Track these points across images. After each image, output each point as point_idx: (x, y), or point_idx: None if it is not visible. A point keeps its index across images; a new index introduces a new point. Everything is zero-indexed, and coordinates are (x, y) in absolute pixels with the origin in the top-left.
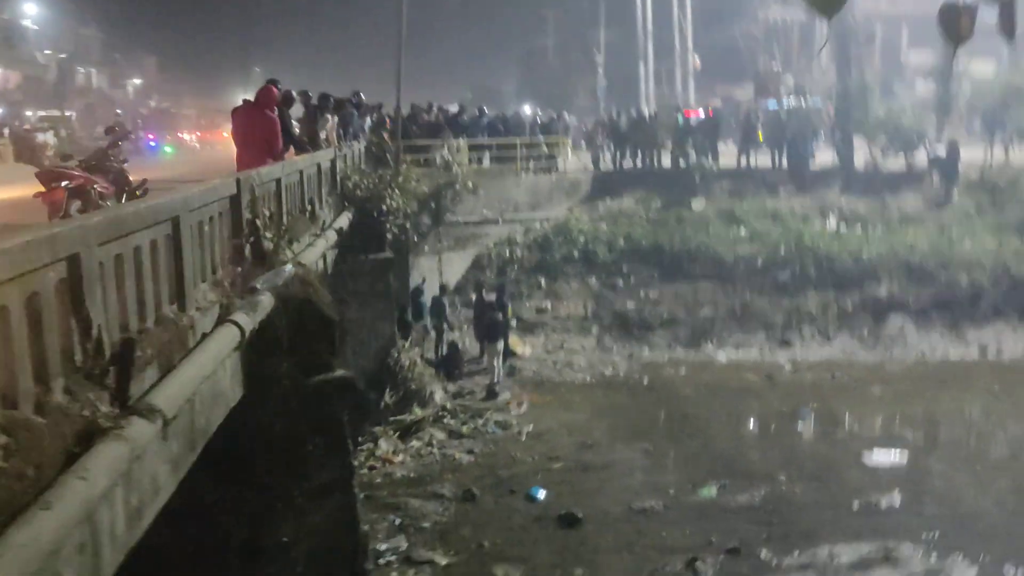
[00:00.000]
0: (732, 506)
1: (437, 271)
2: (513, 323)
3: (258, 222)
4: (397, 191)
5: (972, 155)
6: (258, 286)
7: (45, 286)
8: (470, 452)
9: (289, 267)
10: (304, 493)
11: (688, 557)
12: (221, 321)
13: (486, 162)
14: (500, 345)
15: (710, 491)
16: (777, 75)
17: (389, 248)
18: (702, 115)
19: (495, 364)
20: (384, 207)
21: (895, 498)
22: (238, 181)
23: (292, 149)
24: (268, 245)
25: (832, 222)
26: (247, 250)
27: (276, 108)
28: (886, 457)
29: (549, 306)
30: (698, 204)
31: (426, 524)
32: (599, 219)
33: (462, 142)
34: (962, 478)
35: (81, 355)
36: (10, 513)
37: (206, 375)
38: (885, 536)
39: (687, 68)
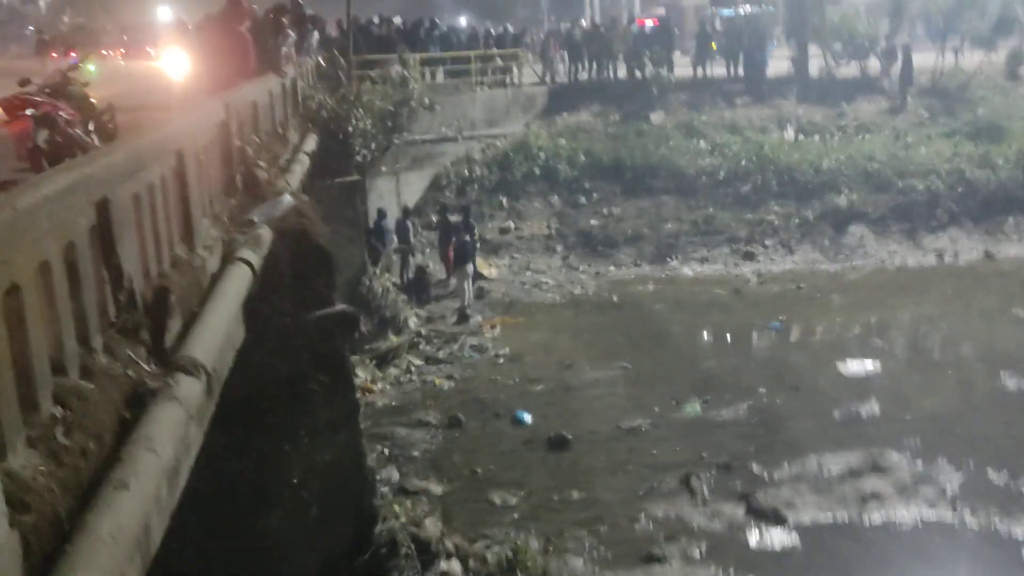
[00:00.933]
0: (717, 421)
1: (395, 193)
2: (478, 245)
3: (249, 150)
4: (361, 110)
5: (923, 60)
6: (255, 219)
7: (79, 235)
8: (449, 378)
9: (287, 197)
10: (310, 432)
11: (682, 473)
12: (228, 259)
13: (440, 77)
14: (470, 268)
15: (694, 407)
16: None
17: (355, 171)
18: (648, 24)
19: (465, 287)
20: (350, 128)
21: (874, 406)
22: (227, 106)
23: None
24: (262, 174)
25: (790, 132)
26: (239, 180)
27: (249, 23)
28: (860, 366)
29: (512, 226)
30: (657, 117)
31: (415, 453)
32: (557, 134)
33: (416, 57)
34: (934, 383)
35: (115, 308)
36: (81, 496)
37: (230, 320)
38: (869, 444)
39: None
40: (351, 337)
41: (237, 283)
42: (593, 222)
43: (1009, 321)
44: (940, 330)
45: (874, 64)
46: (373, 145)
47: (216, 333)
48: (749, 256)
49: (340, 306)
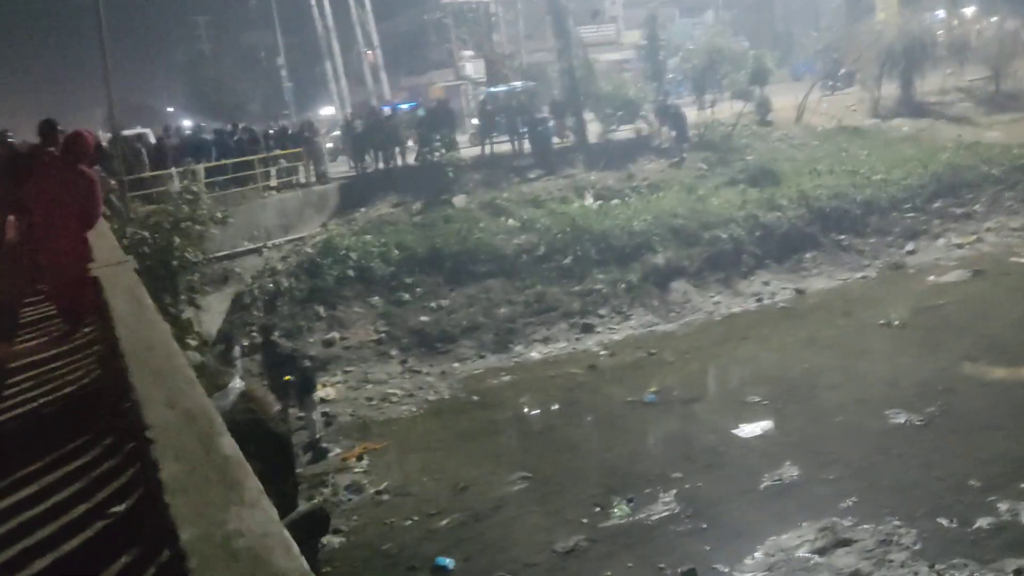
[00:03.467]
0: (654, 520)
1: (196, 321)
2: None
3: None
4: (178, 239)
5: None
6: None
7: None
8: (337, 532)
9: (236, 383)
10: None
11: None
12: None
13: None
14: (317, 396)
15: (622, 509)
16: (505, 57)
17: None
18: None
19: (314, 418)
20: (174, 261)
21: (792, 470)
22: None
23: None
24: (195, 357)
25: (590, 199)
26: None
27: (90, 161)
28: (755, 428)
29: (337, 336)
30: (459, 200)
31: None
32: (361, 231)
33: (201, 168)
34: (831, 432)
35: None
36: None
37: None
38: (815, 514)
39: (378, 62)
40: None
41: None
42: (423, 318)
43: (854, 354)
44: (799, 374)
45: (645, 126)
46: (197, 276)
47: None
48: (588, 328)
49: (305, 505)
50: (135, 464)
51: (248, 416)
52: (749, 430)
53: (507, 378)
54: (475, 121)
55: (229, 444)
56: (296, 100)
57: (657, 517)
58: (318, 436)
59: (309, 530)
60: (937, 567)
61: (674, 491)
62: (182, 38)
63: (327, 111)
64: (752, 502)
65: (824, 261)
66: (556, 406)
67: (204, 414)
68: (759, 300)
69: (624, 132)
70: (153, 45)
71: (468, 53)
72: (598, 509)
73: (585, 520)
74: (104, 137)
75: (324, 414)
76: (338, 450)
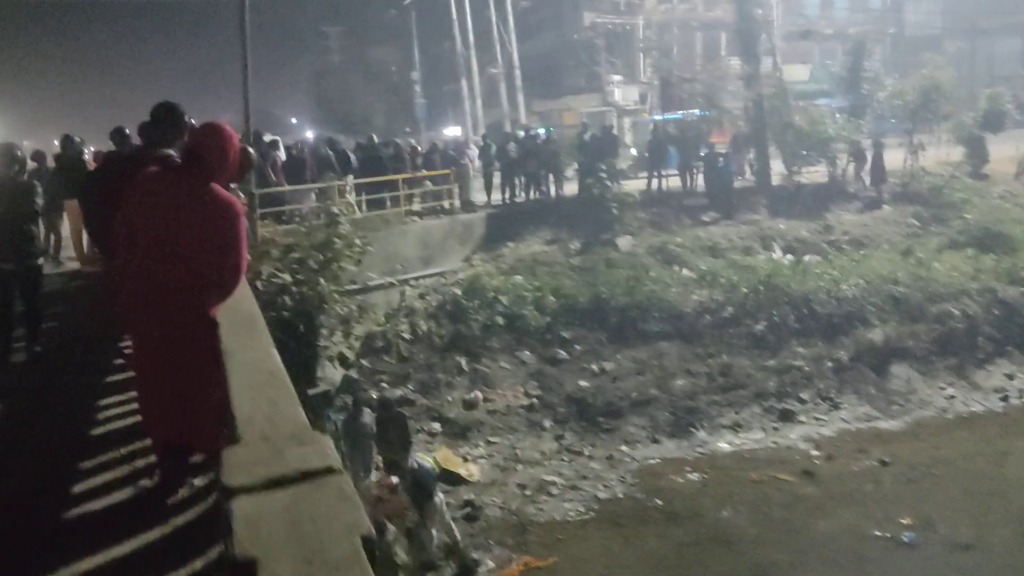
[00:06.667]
0: None
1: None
2: (436, 428)
3: None
4: (326, 283)
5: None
6: None
7: None
8: None
9: None
10: None
11: None
12: None
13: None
14: (439, 498)
15: None
16: (683, 82)
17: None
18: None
19: (448, 520)
20: (321, 316)
21: None
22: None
23: None
24: None
25: (778, 252)
26: None
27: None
28: None
29: (480, 397)
30: (625, 242)
31: None
32: (510, 270)
33: (348, 185)
34: None
35: None
36: None
37: None
38: None
39: (515, 84)
40: None
41: None
42: (582, 383)
43: None
44: None
45: (834, 168)
46: (343, 334)
47: None
48: (787, 416)
49: None
50: None
51: None
52: None
53: (694, 476)
54: (633, 151)
55: None
56: (426, 118)
57: None
58: (459, 540)
59: None
60: None
61: None
62: (311, 48)
63: (453, 132)
64: None
65: None
66: (771, 530)
67: None
68: (1004, 398)
69: (809, 174)
70: (280, 52)
71: (617, 78)
72: None
73: None
74: None
75: (467, 503)
76: (490, 563)
